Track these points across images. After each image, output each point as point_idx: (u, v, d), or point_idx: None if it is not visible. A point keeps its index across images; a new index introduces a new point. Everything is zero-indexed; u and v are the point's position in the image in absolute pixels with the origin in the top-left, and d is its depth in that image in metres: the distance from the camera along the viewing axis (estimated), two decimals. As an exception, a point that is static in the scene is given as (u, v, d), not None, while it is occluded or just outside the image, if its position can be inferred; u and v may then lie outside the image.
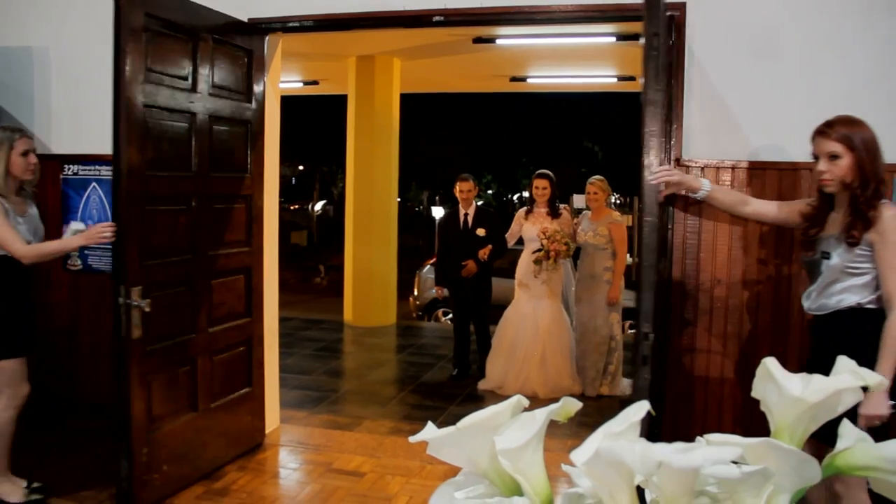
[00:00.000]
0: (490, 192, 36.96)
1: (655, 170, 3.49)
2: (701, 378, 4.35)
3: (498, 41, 8.25)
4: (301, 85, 11.89)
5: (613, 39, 7.87)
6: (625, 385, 6.85)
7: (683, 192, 3.88)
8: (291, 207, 38.09)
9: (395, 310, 10.46)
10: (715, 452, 0.68)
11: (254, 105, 4.93)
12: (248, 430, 5.02)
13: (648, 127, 3.44)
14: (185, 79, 4.37)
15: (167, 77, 4.22)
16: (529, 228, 7.01)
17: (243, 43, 4.84)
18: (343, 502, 4.31)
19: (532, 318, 6.83)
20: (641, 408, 0.78)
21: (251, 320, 4.99)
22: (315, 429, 5.58)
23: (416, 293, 11.69)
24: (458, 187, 7.29)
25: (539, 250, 6.75)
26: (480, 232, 7.15)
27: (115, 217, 4.00)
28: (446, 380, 7.25)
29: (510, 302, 7.11)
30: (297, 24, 5.00)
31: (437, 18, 4.71)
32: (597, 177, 7.04)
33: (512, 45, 8.60)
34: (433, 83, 12.02)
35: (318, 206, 38.23)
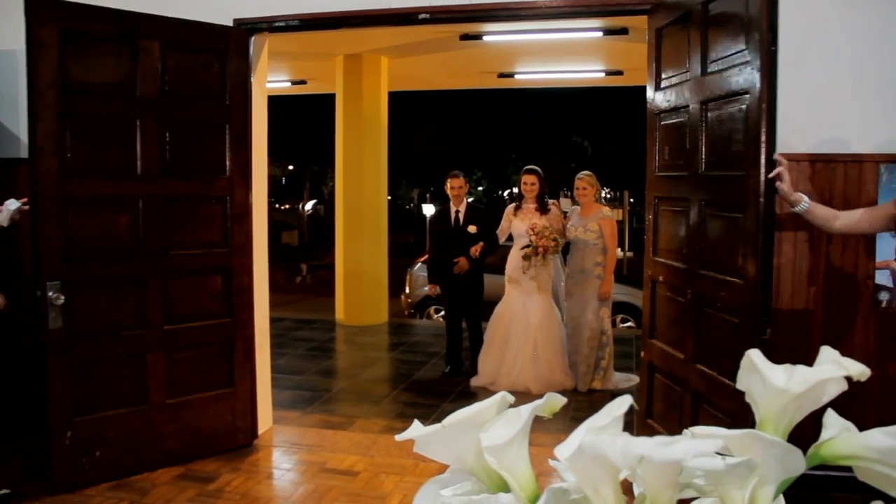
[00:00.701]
0: (480, 188, 36.97)
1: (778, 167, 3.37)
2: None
3: (485, 38, 8.27)
4: (289, 84, 11.88)
5: (600, 34, 7.88)
6: (617, 379, 6.86)
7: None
8: (282, 207, 38.05)
9: (387, 308, 10.46)
10: (696, 445, 0.68)
11: (231, 106, 4.94)
12: (229, 430, 5.04)
13: (766, 124, 3.37)
14: (123, 86, 4.53)
15: (98, 86, 4.45)
16: (518, 224, 6.97)
17: (213, 45, 4.85)
18: (337, 502, 4.31)
19: (523, 313, 6.82)
20: (624, 402, 0.78)
21: (231, 321, 5.01)
22: (308, 429, 5.58)
23: (407, 291, 11.67)
24: (448, 184, 7.26)
25: (528, 246, 6.73)
26: (472, 229, 7.12)
27: (32, 218, 4.28)
28: (439, 377, 7.24)
29: (501, 298, 7.11)
30: (283, 24, 5.01)
31: (422, 16, 4.71)
32: (585, 172, 7.01)
33: (499, 42, 8.62)
34: (421, 81, 12.02)
35: (309, 205, 38.21)
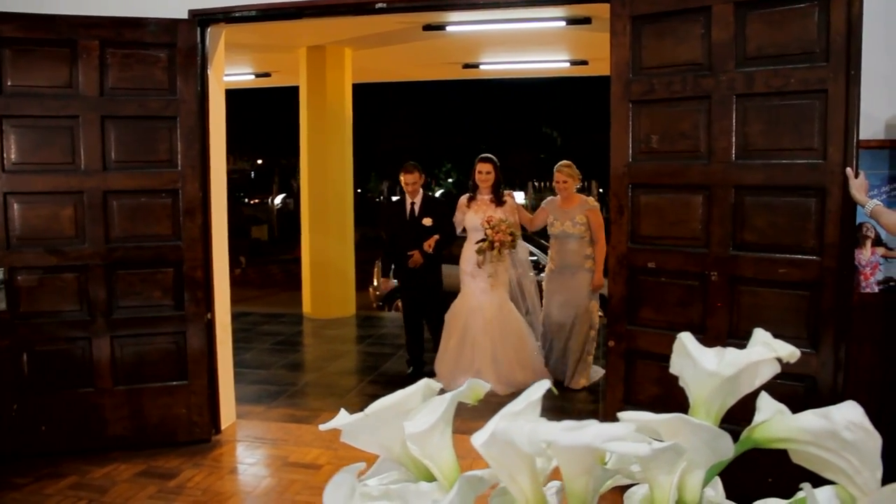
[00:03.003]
0: (450, 180, 36.94)
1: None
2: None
3: (448, 28, 8.22)
4: (253, 77, 11.76)
5: (563, 24, 7.86)
6: (592, 373, 6.63)
7: None
8: (251, 202, 37.75)
9: (355, 301, 10.41)
10: (606, 430, 0.65)
11: (180, 100, 4.89)
12: (185, 424, 5.05)
13: (856, 118, 3.62)
14: (63, 87, 4.75)
15: (38, 88, 4.72)
16: (472, 217, 6.60)
17: (160, 39, 4.84)
18: (299, 495, 4.28)
19: (479, 310, 6.50)
20: (541, 386, 0.75)
21: (183, 314, 5.00)
22: (272, 423, 5.53)
23: (375, 283, 11.60)
24: (402, 179, 6.90)
25: (483, 240, 6.37)
26: (427, 222, 6.77)
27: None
28: (405, 370, 7.18)
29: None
30: (239, 15, 4.95)
31: (379, 5, 4.68)
32: (564, 162, 6.61)
33: (462, 32, 8.57)
34: (386, 72, 11.96)
35: (278, 199, 37.96)
